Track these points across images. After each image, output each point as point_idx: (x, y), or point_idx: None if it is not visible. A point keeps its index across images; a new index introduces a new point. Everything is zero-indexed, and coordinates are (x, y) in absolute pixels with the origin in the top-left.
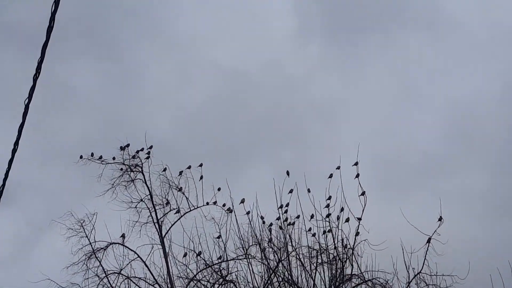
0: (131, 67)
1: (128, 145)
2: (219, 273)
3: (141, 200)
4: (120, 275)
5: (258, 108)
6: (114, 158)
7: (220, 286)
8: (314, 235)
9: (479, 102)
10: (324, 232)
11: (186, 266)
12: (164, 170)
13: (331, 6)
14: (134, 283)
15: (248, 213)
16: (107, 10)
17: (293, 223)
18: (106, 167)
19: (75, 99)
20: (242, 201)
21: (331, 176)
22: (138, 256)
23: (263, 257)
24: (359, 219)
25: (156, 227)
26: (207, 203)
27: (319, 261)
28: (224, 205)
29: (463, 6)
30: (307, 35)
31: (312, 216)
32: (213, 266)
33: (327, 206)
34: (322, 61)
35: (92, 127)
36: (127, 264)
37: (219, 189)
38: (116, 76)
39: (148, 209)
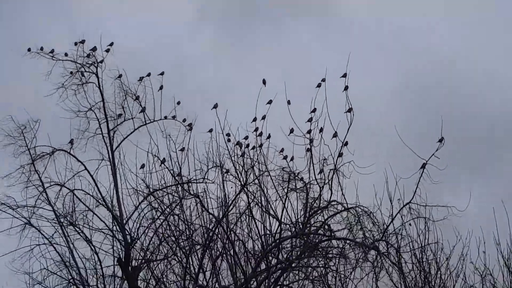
0: None
1: (83, 41)
2: (185, 188)
3: (91, 108)
4: (63, 187)
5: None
6: (66, 55)
7: (182, 201)
8: (285, 157)
9: (372, 99)
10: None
11: (143, 180)
12: (120, 76)
13: None
14: (78, 198)
15: (210, 130)
16: None
17: (261, 145)
18: (56, 65)
19: None
20: (215, 106)
21: (319, 85)
22: (85, 168)
23: (224, 180)
24: (346, 144)
25: (104, 140)
26: (165, 117)
27: (292, 186)
28: (184, 120)
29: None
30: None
31: (291, 131)
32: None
33: (310, 120)
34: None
35: None
36: (72, 176)
37: (178, 103)
38: None
39: (98, 120)
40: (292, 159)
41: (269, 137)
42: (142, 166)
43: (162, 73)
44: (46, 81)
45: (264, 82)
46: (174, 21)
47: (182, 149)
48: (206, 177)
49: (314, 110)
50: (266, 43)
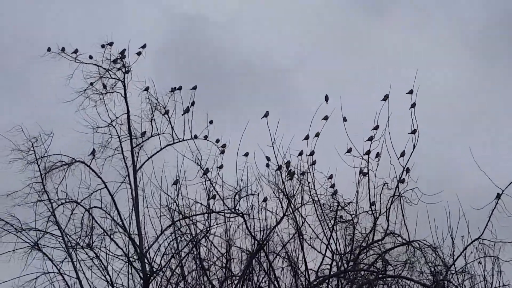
0: None
1: (111, 43)
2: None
3: (111, 123)
4: (79, 206)
5: None
6: (91, 57)
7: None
8: (333, 186)
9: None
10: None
11: (174, 200)
12: (147, 89)
13: None
14: (95, 219)
15: (247, 154)
16: None
17: (303, 173)
18: (78, 68)
19: None
20: (266, 115)
21: (385, 98)
22: (105, 186)
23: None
24: (407, 170)
25: (124, 160)
26: (195, 137)
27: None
28: (217, 140)
29: None
30: None
31: (349, 150)
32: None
33: (370, 138)
34: None
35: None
36: (90, 194)
37: (211, 122)
38: None
39: (119, 137)
40: (335, 192)
41: (314, 163)
42: (176, 182)
43: (194, 88)
44: (67, 86)
45: (326, 98)
46: None
47: (221, 167)
48: (237, 208)
49: (376, 127)
50: None
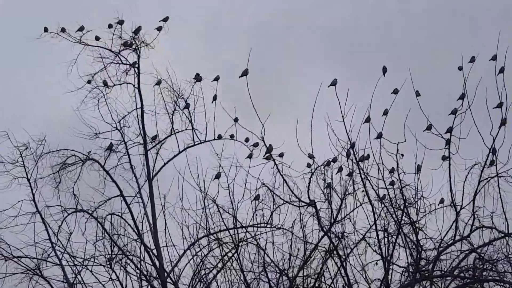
0: None
1: (122, 22)
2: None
3: (117, 127)
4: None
5: None
6: (97, 38)
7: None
8: (392, 183)
9: None
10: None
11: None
12: (159, 83)
13: None
14: (108, 234)
15: (281, 155)
16: None
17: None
18: (83, 52)
19: None
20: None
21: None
22: (120, 193)
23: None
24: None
25: (132, 169)
26: (220, 137)
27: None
28: (247, 140)
29: None
30: None
31: (429, 127)
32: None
33: (454, 112)
34: None
35: None
36: (103, 202)
37: (236, 120)
38: None
39: (125, 142)
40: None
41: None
42: (218, 176)
43: (216, 78)
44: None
45: (385, 70)
46: None
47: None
48: (269, 222)
49: (462, 96)
50: None
